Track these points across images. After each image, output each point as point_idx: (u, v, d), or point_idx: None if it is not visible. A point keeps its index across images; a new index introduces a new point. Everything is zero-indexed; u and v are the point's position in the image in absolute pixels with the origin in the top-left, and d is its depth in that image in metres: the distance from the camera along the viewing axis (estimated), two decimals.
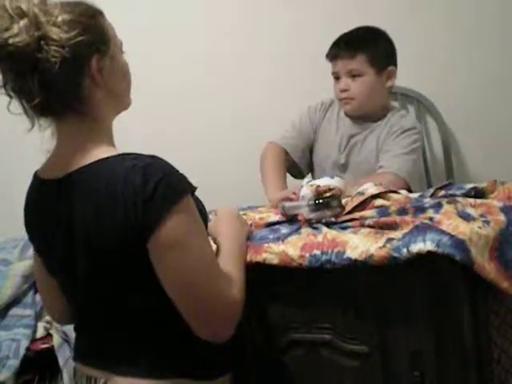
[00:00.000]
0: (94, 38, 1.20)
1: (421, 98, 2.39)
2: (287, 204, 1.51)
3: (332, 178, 1.60)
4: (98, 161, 1.19)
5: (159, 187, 1.13)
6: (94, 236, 1.18)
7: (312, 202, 1.42)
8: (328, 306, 1.32)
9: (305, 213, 1.43)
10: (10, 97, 1.20)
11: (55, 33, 1.14)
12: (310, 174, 2.18)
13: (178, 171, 1.19)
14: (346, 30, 2.07)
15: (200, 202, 1.28)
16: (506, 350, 1.32)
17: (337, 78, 2.06)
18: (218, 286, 1.19)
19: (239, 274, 1.26)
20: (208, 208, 1.32)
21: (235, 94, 2.57)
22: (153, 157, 1.18)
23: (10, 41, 1.12)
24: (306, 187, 1.55)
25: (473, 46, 2.36)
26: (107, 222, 1.16)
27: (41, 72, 1.15)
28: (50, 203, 1.24)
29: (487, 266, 1.20)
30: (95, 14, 1.22)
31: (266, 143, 2.15)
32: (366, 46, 2.02)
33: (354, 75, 2.01)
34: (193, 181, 1.21)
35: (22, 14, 1.13)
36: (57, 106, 1.20)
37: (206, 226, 1.26)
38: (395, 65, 2.07)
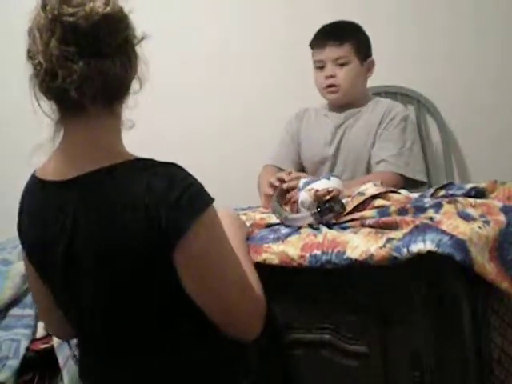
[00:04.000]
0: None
1: (421, 98, 2.39)
2: (290, 216, 1.47)
3: (329, 179, 1.57)
4: (119, 164, 1.13)
5: (184, 195, 1.09)
6: (109, 247, 1.12)
7: (316, 211, 1.40)
8: (328, 305, 1.32)
9: (310, 222, 1.42)
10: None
11: None
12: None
13: (198, 181, 1.15)
14: None
15: None
16: (506, 350, 1.32)
17: (321, 66, 2.10)
18: (246, 288, 1.19)
19: (255, 272, 1.26)
20: None
21: (234, 95, 2.57)
22: (173, 164, 1.14)
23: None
24: (305, 191, 1.53)
25: (473, 47, 2.36)
26: (126, 231, 1.10)
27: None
28: (54, 209, 1.16)
29: (487, 267, 1.20)
30: None
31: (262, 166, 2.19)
32: (352, 36, 2.09)
33: (340, 64, 2.06)
34: None
35: None
36: (107, 95, 1.13)
37: None
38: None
